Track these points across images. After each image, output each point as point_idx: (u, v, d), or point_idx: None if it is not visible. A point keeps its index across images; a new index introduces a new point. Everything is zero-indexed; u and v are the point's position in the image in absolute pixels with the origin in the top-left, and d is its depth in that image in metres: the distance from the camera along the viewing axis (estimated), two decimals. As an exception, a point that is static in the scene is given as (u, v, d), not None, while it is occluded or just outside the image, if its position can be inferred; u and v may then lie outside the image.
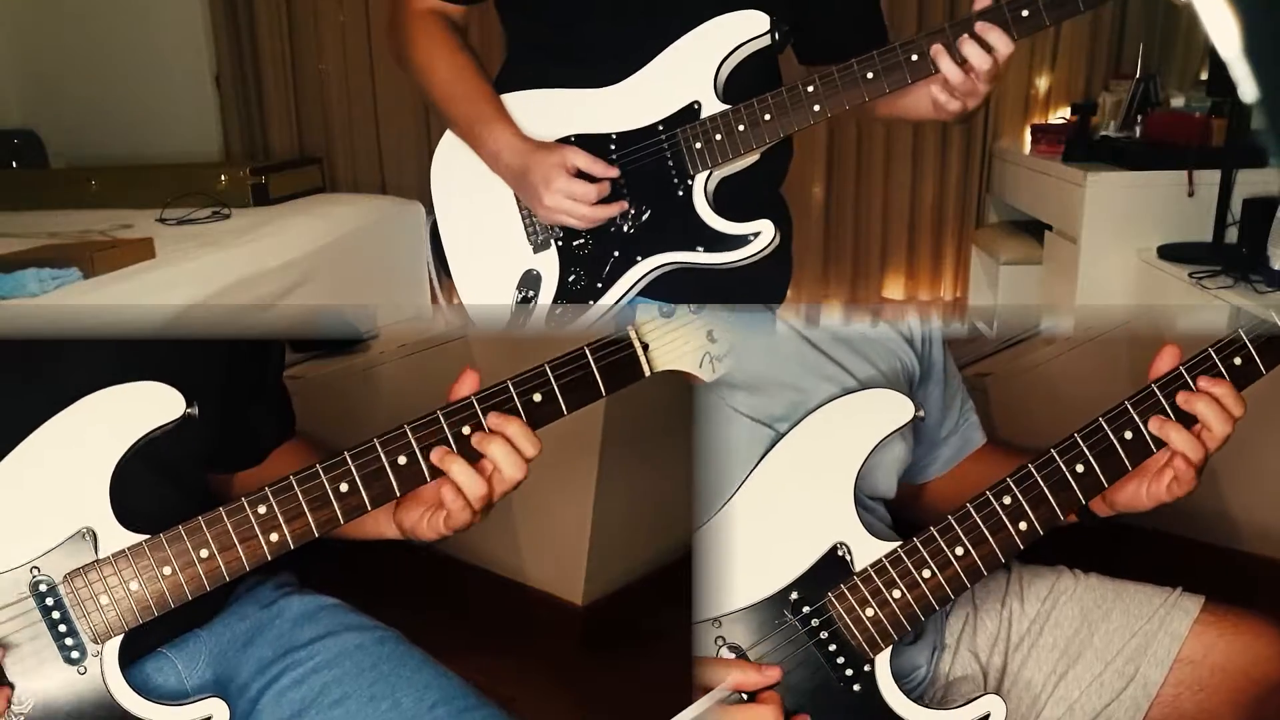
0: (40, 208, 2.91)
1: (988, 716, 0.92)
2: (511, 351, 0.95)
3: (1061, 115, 3.54)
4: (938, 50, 1.10)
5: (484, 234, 1.26)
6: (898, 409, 0.95)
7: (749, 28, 1.16)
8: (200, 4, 3.71)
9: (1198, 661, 1.01)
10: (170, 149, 3.61)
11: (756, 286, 1.23)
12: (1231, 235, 2.56)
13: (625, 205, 1.18)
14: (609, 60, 1.19)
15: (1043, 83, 3.59)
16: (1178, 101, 3.13)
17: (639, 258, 1.19)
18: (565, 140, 1.20)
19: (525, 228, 1.23)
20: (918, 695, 1.02)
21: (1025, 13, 1.08)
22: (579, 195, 1.15)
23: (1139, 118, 3.06)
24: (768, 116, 1.15)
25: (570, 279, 1.21)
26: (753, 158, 1.18)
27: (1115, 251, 2.78)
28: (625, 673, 1.72)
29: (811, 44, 1.28)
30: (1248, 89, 0.38)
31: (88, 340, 0.92)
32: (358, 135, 3.79)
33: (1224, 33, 0.37)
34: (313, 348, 2.14)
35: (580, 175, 1.16)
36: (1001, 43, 1.08)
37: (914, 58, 1.11)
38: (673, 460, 1.09)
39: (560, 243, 1.22)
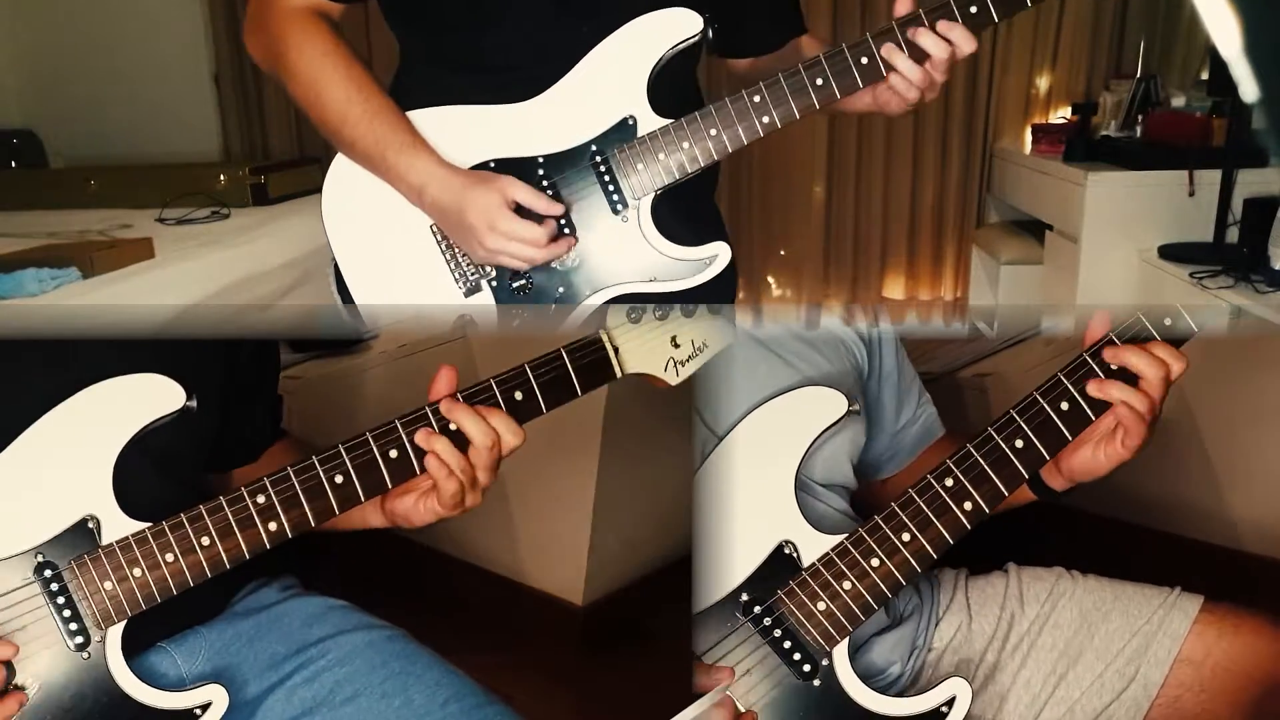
0: (39, 208, 2.91)
1: (953, 700, 0.92)
2: (513, 353, 0.95)
3: (1062, 115, 3.54)
4: (890, 50, 1.03)
5: (400, 279, 1.11)
6: (831, 404, 0.97)
7: (681, 29, 1.05)
8: (200, 4, 3.71)
9: (1198, 662, 1.02)
10: (170, 149, 3.61)
11: (707, 296, 1.13)
12: (1232, 235, 2.56)
13: (573, 241, 1.07)
14: (523, 69, 1.06)
15: (1043, 83, 3.59)
16: (1178, 101, 3.13)
17: (587, 293, 1.09)
18: (484, 166, 1.07)
19: (450, 269, 1.10)
20: (896, 692, 1.02)
21: (974, 9, 1.02)
22: (528, 238, 1.03)
23: (1139, 118, 3.07)
24: (714, 131, 1.05)
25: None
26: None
27: (1116, 251, 2.79)
28: (625, 673, 1.71)
29: (731, 38, 1.20)
30: (1248, 88, 0.38)
31: (86, 343, 0.93)
32: (358, 135, 3.78)
33: (1224, 32, 0.37)
34: (313, 348, 2.14)
35: (519, 210, 1.04)
36: (963, 39, 1.02)
37: (864, 60, 1.04)
38: (673, 460, 1.09)
39: (494, 284, 1.10)
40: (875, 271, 3.78)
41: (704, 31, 1.05)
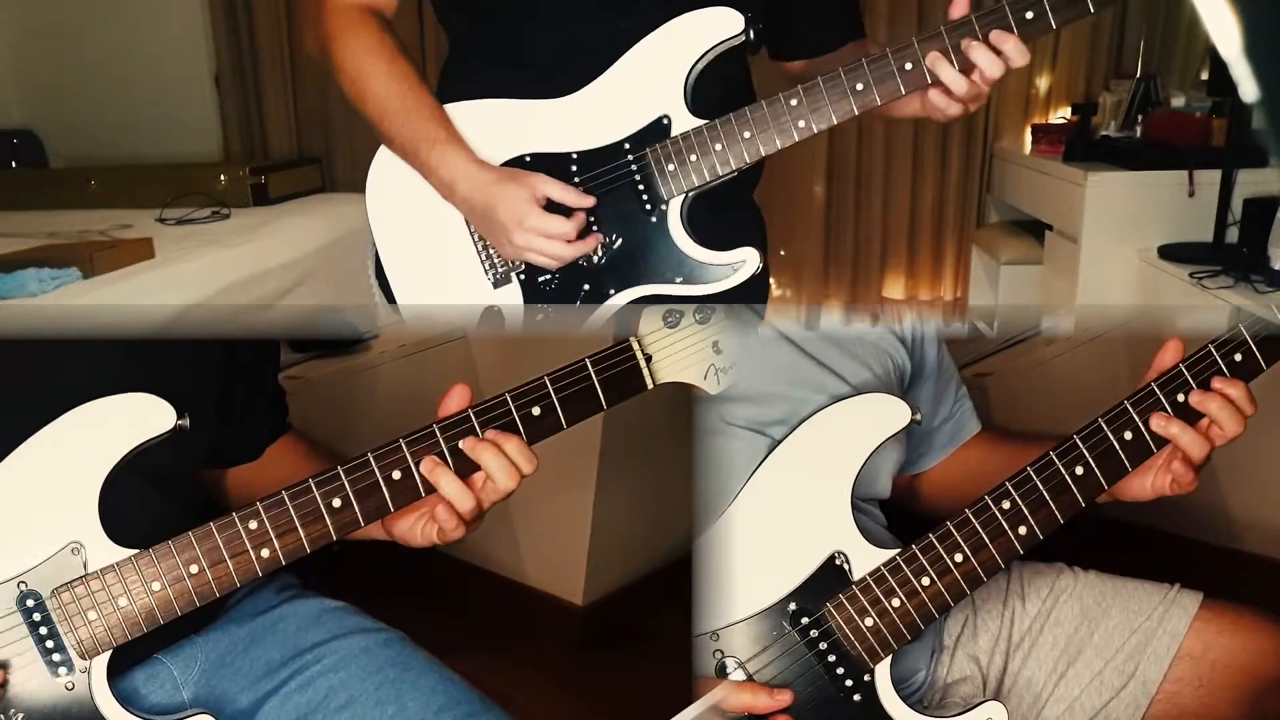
0: (40, 208, 2.91)
1: None
2: (512, 353, 0.95)
3: (1062, 115, 3.53)
4: (935, 58, 0.99)
5: (434, 268, 1.12)
6: (893, 414, 0.94)
7: (721, 29, 1.03)
8: (200, 4, 3.71)
9: (1198, 658, 1.01)
10: (170, 149, 3.60)
11: (735, 298, 1.13)
12: (1232, 235, 2.55)
13: (601, 239, 1.06)
14: (562, 64, 1.07)
15: (1043, 83, 3.58)
16: (1178, 101, 3.13)
17: (611, 291, 1.08)
18: (519, 160, 1.08)
19: (481, 261, 1.11)
20: (917, 699, 1.02)
21: (1030, 14, 0.99)
22: (555, 233, 1.02)
23: (1139, 118, 3.06)
24: (747, 134, 1.03)
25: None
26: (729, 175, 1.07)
27: (1115, 251, 2.78)
28: (625, 673, 1.72)
29: (782, 39, 1.18)
30: (1248, 89, 0.38)
31: (86, 342, 0.91)
32: (358, 135, 3.78)
33: (1224, 32, 0.37)
34: (313, 348, 2.14)
35: (550, 206, 1.04)
36: (1016, 52, 0.99)
37: (908, 66, 1.00)
38: (673, 460, 1.09)
39: (523, 277, 1.10)
40: (875, 271, 3.78)
41: (745, 32, 1.03)
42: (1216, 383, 0.92)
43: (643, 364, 0.90)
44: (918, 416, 0.94)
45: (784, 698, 0.90)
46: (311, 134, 3.80)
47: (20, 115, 3.69)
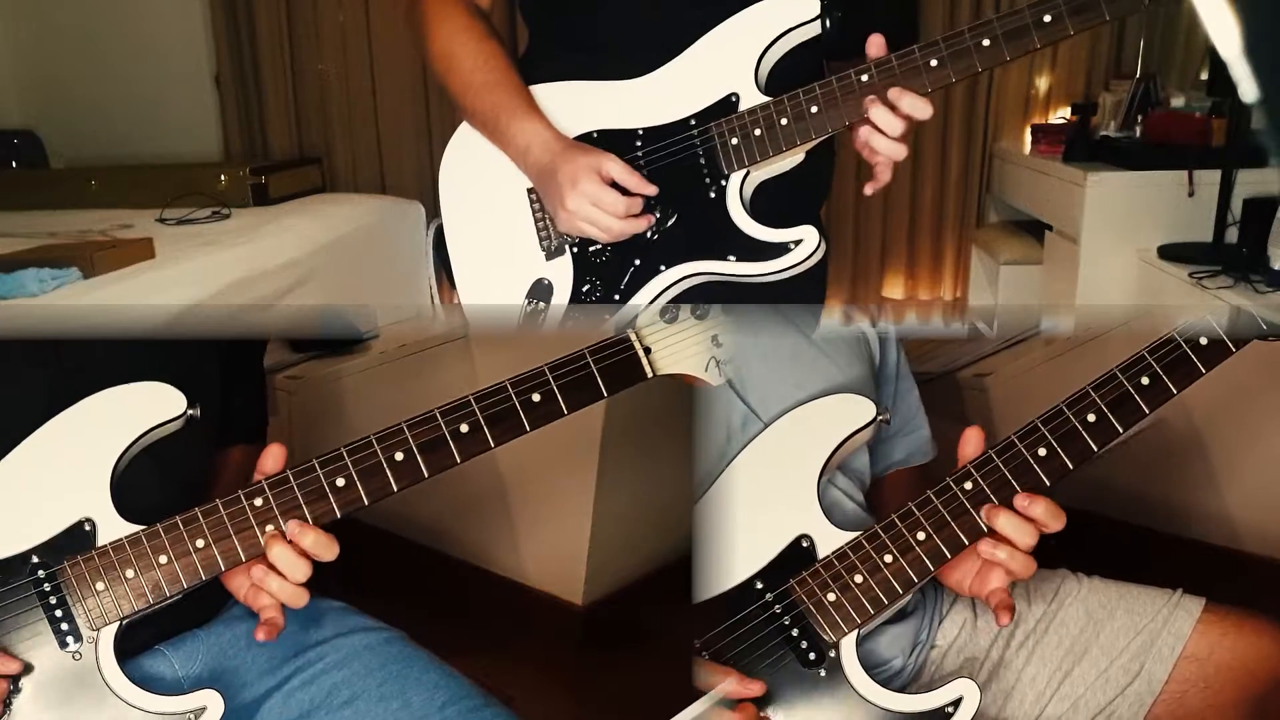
0: (40, 208, 2.91)
1: (960, 700, 0.91)
2: (512, 353, 0.95)
3: (1061, 115, 3.53)
4: (871, 100, 1.01)
5: (493, 238, 1.16)
6: (860, 411, 0.97)
7: (796, 12, 1.04)
8: (200, 4, 3.71)
9: (1203, 659, 1.02)
10: (170, 149, 3.61)
11: (792, 290, 1.12)
12: (1232, 235, 2.56)
13: (653, 219, 1.07)
14: (637, 51, 1.09)
15: (1043, 83, 3.59)
16: (1178, 101, 3.13)
17: (663, 267, 1.08)
18: (587, 136, 1.10)
19: (538, 232, 1.13)
20: (896, 688, 1.02)
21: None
22: (606, 204, 1.05)
23: (1139, 118, 3.06)
24: (814, 109, 1.02)
25: (584, 289, 1.11)
26: (795, 159, 1.07)
27: (1115, 251, 2.78)
28: (625, 673, 1.72)
29: (850, 34, 1.18)
30: (1248, 89, 0.38)
31: (98, 340, 0.94)
32: (358, 135, 3.79)
33: (1224, 33, 0.37)
34: (313, 348, 2.14)
35: (614, 187, 1.06)
36: (917, 107, 1.00)
37: (985, 43, 1.00)
38: (673, 460, 1.09)
39: (575, 249, 1.11)
40: (875, 271, 3.78)
41: (821, 18, 1.04)
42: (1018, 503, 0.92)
43: (641, 355, 0.92)
44: (885, 416, 0.97)
45: (755, 687, 0.91)
46: (311, 134, 3.80)
47: (20, 115, 3.69)
